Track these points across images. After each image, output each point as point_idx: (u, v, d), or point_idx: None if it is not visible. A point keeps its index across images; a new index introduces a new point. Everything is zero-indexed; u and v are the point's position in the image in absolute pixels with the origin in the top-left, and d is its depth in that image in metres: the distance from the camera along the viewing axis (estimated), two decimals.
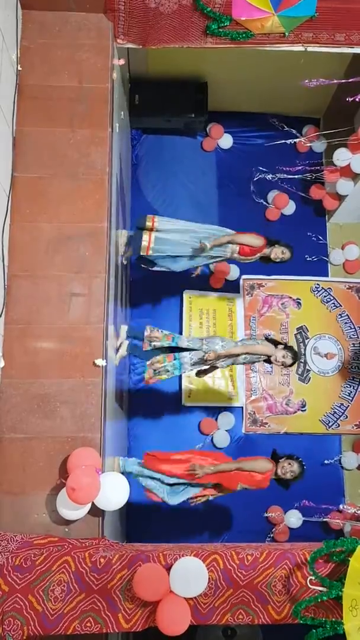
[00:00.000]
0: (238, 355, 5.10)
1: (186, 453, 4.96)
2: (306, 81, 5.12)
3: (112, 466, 4.67)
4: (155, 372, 5.08)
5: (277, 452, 4.89)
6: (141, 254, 5.34)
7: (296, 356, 5.22)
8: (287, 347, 5.19)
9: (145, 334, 5.18)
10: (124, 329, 5.50)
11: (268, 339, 5.33)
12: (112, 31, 4.92)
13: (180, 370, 5.12)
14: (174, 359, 5.07)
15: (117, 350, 5.19)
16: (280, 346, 5.17)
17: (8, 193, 4.37)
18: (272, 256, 5.48)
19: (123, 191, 5.68)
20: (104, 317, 4.37)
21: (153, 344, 5.15)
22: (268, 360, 5.19)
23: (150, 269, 5.52)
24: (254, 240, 5.38)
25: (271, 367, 6.75)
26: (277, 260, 5.50)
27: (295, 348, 6.80)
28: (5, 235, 4.27)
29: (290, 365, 5.29)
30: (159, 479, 4.86)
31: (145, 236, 5.30)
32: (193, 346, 5.09)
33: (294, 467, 4.75)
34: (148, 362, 5.13)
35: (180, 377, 6.48)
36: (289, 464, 4.75)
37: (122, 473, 4.89)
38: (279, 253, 5.46)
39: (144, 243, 5.30)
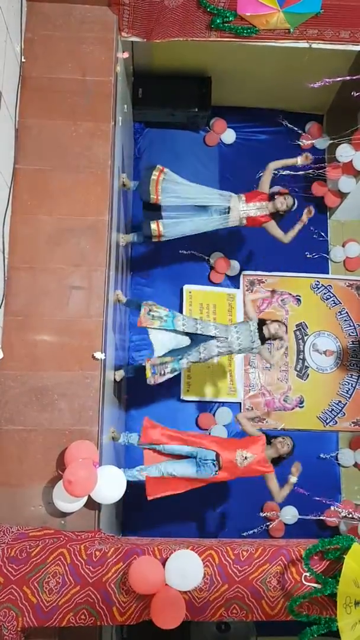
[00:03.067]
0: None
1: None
2: (310, 84, 5.10)
3: (109, 437, 4.67)
4: (149, 315, 5.01)
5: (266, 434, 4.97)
6: (151, 202, 5.32)
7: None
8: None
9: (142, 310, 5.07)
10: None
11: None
12: (117, 24, 4.91)
13: (173, 324, 5.03)
14: (168, 311, 5.08)
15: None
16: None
17: (9, 185, 4.36)
18: (277, 207, 5.47)
19: (125, 188, 5.66)
20: (104, 311, 4.37)
21: (152, 313, 5.05)
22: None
23: (159, 240, 5.48)
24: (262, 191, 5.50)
25: (270, 367, 6.76)
26: (284, 209, 5.49)
27: (295, 345, 6.85)
28: (6, 227, 4.27)
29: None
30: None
31: (153, 182, 5.30)
32: (187, 329, 5.06)
33: (288, 441, 4.85)
34: (143, 303, 5.09)
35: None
36: (283, 438, 4.85)
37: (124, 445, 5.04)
38: (282, 200, 5.47)
39: (153, 192, 5.29)
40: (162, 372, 5.01)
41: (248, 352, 5.31)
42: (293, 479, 4.84)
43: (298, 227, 5.57)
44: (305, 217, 5.57)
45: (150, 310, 5.01)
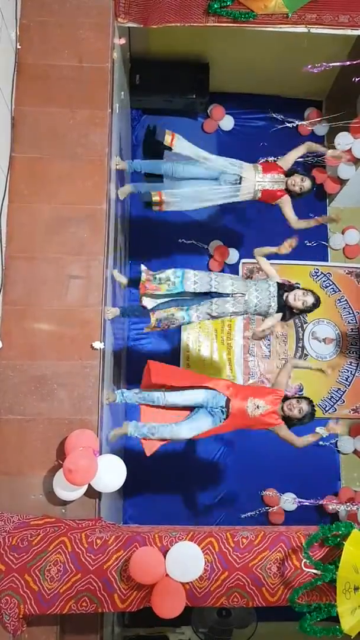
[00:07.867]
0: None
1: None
2: (309, 67, 5.04)
3: (106, 399, 4.46)
4: (155, 280, 4.54)
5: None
6: (165, 143, 4.88)
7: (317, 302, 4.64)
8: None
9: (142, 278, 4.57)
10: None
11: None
12: (113, 10, 4.87)
13: (183, 285, 4.49)
14: (176, 269, 4.58)
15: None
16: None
17: (6, 173, 4.34)
18: (290, 186, 4.85)
19: (123, 172, 5.63)
20: (102, 300, 4.36)
21: (157, 276, 4.57)
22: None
23: (161, 208, 4.97)
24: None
25: (269, 352, 6.75)
26: (298, 190, 4.85)
27: (294, 333, 6.84)
28: (4, 216, 4.25)
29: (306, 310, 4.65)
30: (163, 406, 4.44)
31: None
32: (200, 289, 4.50)
33: (303, 405, 4.29)
34: (143, 269, 4.61)
35: (179, 355, 6.50)
36: (297, 401, 4.31)
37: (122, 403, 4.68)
38: (298, 181, 4.84)
39: (168, 133, 4.89)
40: (168, 325, 4.57)
41: (263, 315, 4.64)
42: (322, 431, 4.36)
43: (313, 222, 5.05)
44: (324, 219, 5.12)
45: (154, 276, 4.56)
